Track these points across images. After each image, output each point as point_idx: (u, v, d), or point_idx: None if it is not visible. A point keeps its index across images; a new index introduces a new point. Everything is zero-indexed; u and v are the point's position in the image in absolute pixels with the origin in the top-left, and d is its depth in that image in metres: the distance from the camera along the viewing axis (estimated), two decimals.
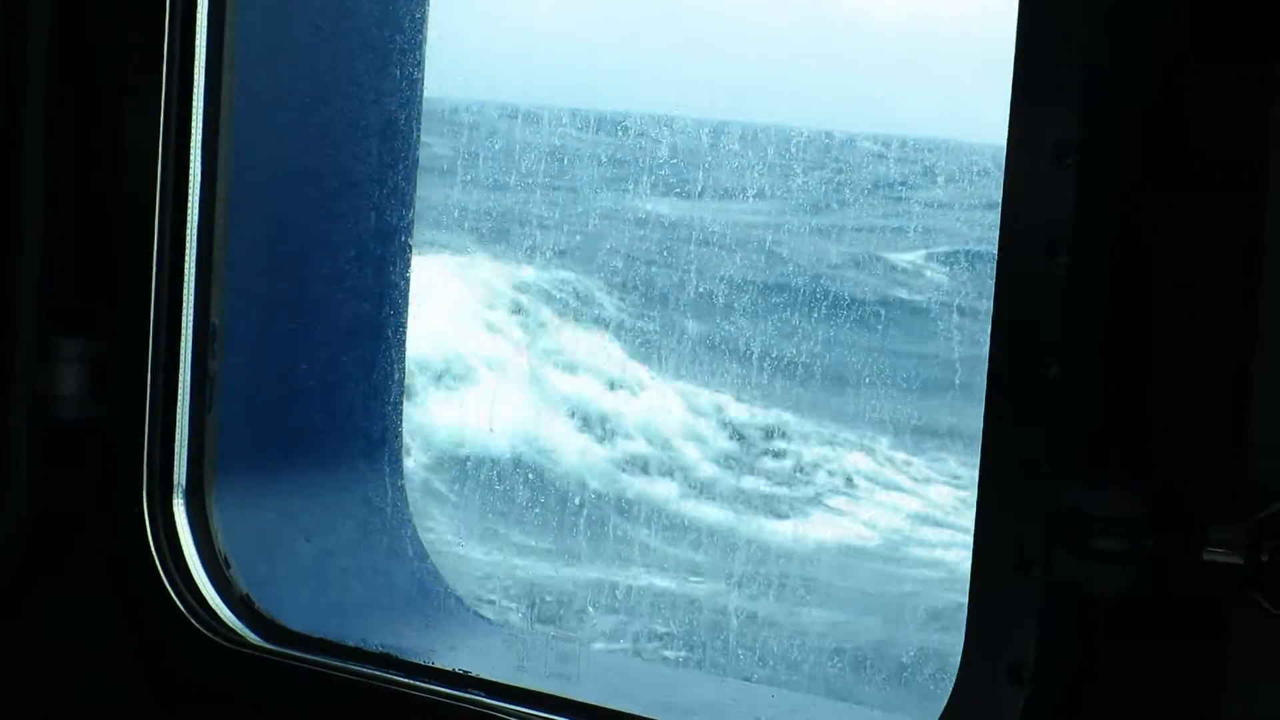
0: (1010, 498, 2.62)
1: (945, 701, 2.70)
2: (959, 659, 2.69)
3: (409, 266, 3.74)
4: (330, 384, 3.75)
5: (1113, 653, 2.60)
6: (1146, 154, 2.57)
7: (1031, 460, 2.60)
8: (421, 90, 3.68)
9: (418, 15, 3.65)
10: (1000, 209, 2.64)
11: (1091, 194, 2.55)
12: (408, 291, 3.75)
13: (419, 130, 3.69)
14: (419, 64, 3.65)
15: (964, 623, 2.68)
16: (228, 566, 3.57)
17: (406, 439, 3.87)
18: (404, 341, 3.76)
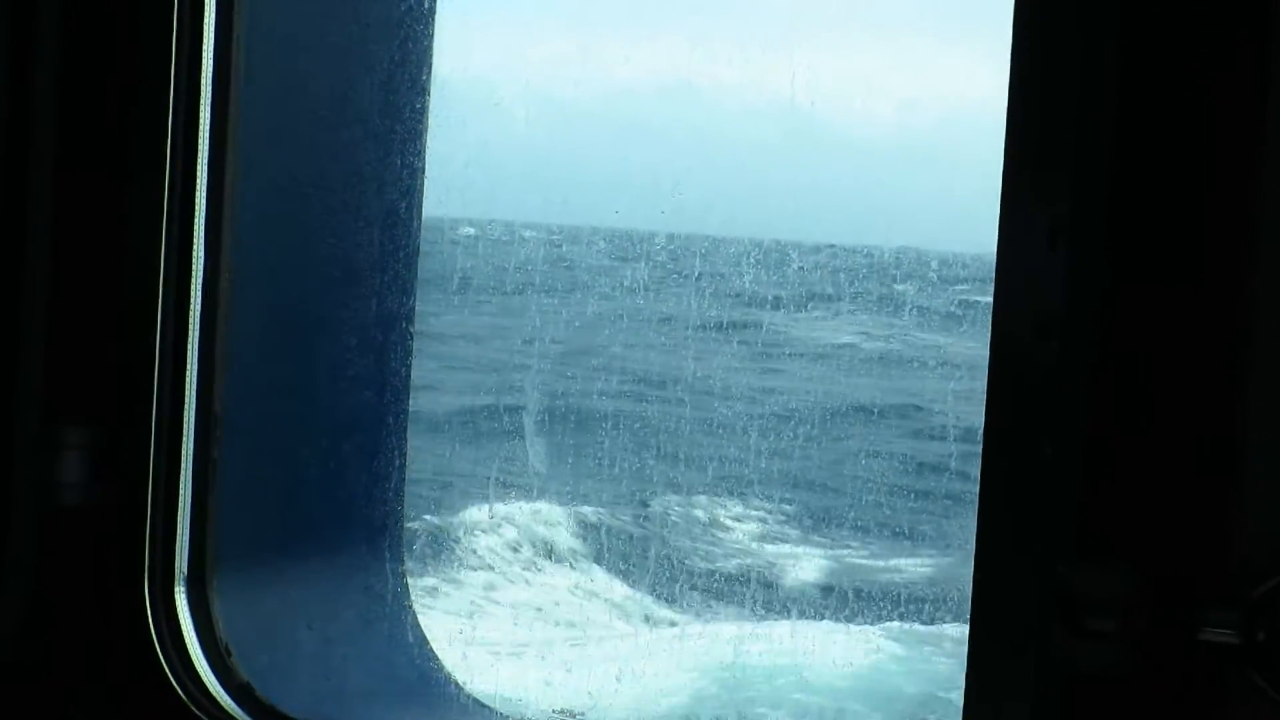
0: (1005, 578, 2.64)
1: None
2: None
3: (410, 354, 3.77)
4: (332, 471, 3.77)
5: None
6: (1136, 238, 2.59)
7: (1025, 540, 2.62)
8: (422, 179, 3.72)
9: (418, 105, 3.70)
10: (993, 292, 2.67)
11: (1081, 277, 2.58)
12: (409, 379, 3.77)
13: (420, 218, 3.73)
14: (419, 153, 3.69)
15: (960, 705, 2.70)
16: (229, 654, 3.57)
17: None
18: (405, 428, 3.79)
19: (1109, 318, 2.60)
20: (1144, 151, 2.59)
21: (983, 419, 2.67)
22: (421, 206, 3.72)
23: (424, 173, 3.70)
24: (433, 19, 3.71)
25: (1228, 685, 2.53)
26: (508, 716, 3.81)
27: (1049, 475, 2.61)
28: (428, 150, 3.74)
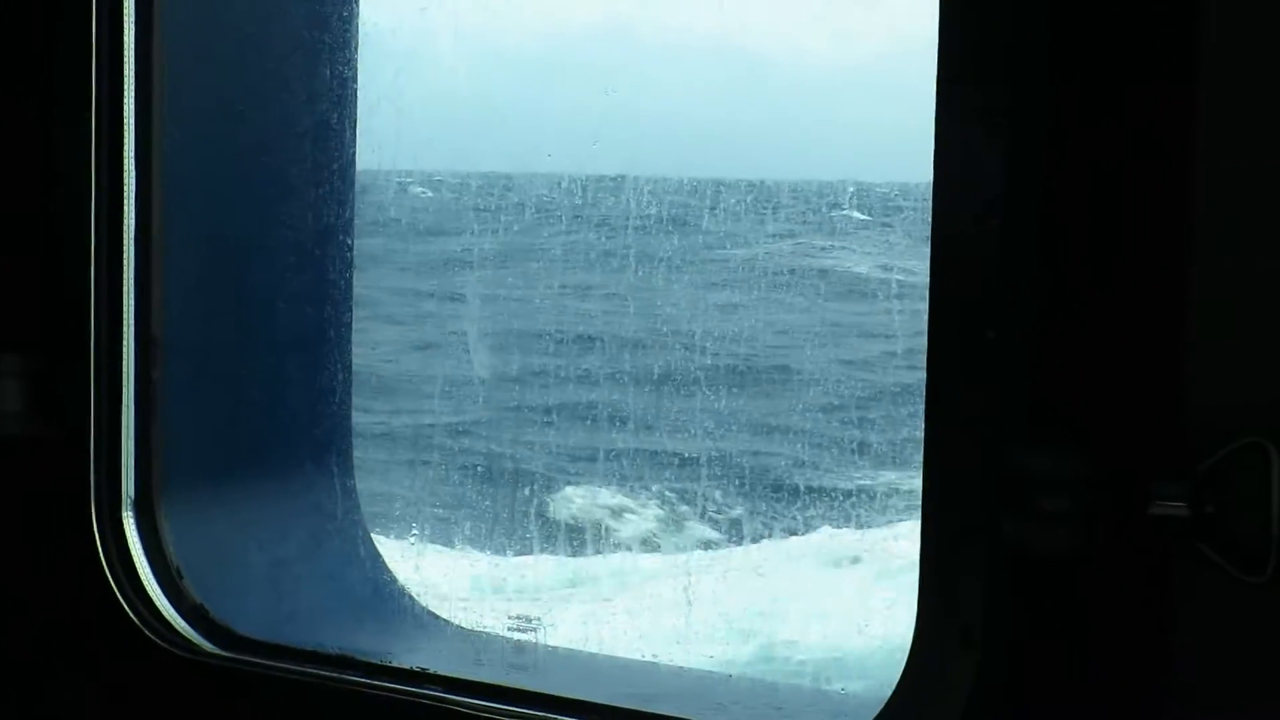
0: (954, 463, 2.65)
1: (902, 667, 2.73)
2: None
3: (350, 267, 3.75)
4: (275, 390, 3.76)
5: (1062, 612, 2.63)
6: (1075, 117, 2.59)
7: (973, 424, 2.63)
8: (355, 89, 3.69)
9: (345, 14, 3.67)
10: (932, 179, 2.66)
11: (1020, 159, 2.58)
12: (350, 292, 3.76)
13: (354, 130, 3.71)
14: (349, 63, 3.67)
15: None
16: (180, 577, 3.58)
17: None
18: (348, 342, 3.78)
19: (1050, 199, 2.60)
20: (1082, 27, 2.58)
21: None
22: (355, 118, 3.70)
23: (355, 82, 3.67)
24: None
25: (1178, 558, 2.54)
26: (462, 627, 3.81)
27: (994, 359, 2.61)
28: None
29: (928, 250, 2.64)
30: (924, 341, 2.69)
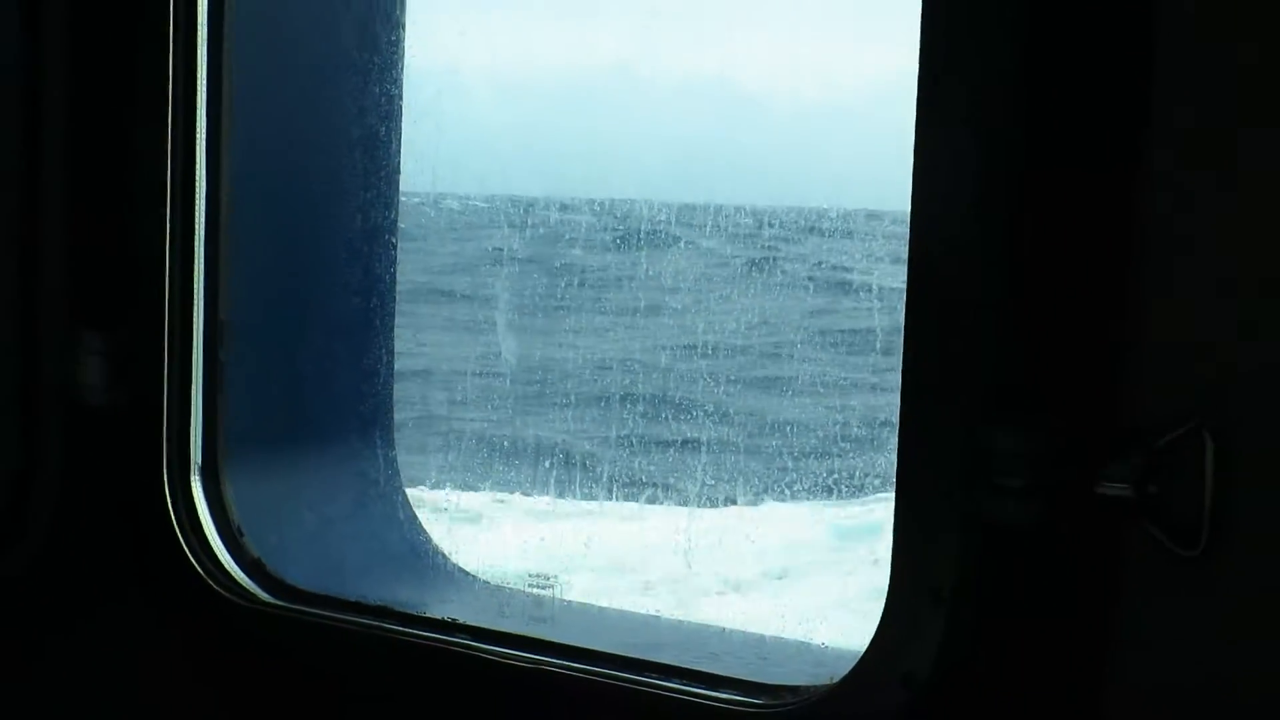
0: (927, 439, 2.65)
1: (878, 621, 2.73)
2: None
3: (394, 263, 3.75)
4: (326, 369, 3.76)
5: (1020, 577, 2.62)
6: (1045, 130, 2.57)
7: (944, 405, 2.62)
8: (400, 106, 3.68)
9: (393, 39, 3.66)
10: (911, 188, 2.65)
11: (994, 166, 2.57)
12: (394, 285, 3.76)
13: (399, 141, 3.70)
14: (396, 82, 3.66)
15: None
16: (241, 535, 3.58)
17: None
18: (391, 329, 3.77)
19: (1019, 202, 2.58)
20: (1055, 45, 2.56)
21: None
22: (400, 130, 3.69)
23: (400, 99, 3.67)
24: None
25: (1123, 534, 2.53)
26: (489, 583, 3.80)
27: (964, 350, 2.61)
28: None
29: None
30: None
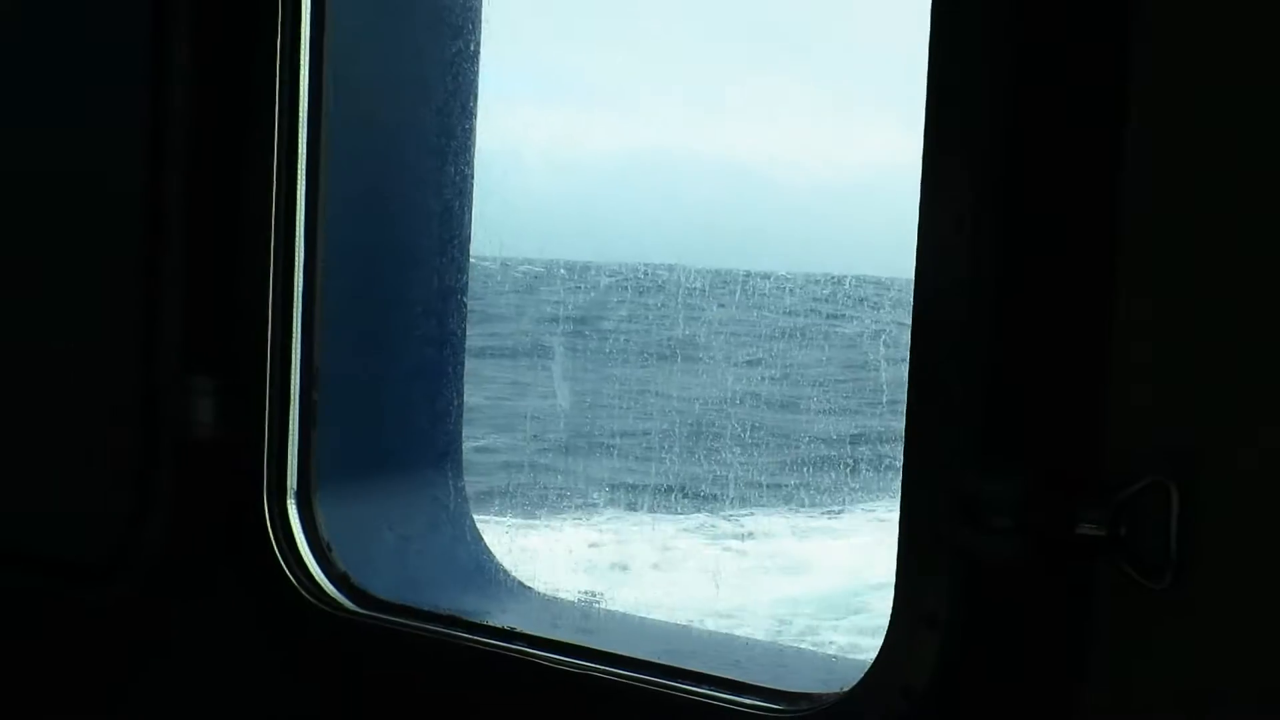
0: (926, 484, 2.63)
1: (882, 640, 2.71)
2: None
3: (464, 320, 3.75)
4: (404, 411, 3.76)
5: (1005, 607, 2.61)
6: (1024, 225, 2.57)
7: (941, 455, 2.61)
8: (471, 183, 3.69)
9: (466, 126, 3.67)
10: (915, 265, 2.64)
11: (981, 254, 2.56)
12: (464, 339, 3.76)
13: (470, 213, 3.70)
14: (468, 163, 3.67)
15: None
16: (330, 551, 3.58)
17: None
18: (462, 376, 3.77)
19: (1004, 283, 2.58)
20: (1033, 160, 2.56)
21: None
22: (472, 204, 3.70)
23: (473, 178, 3.68)
24: (477, 58, 3.67)
25: (1097, 570, 2.52)
26: (544, 595, 3.79)
27: (958, 408, 2.60)
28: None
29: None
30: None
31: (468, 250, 3.70)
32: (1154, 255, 2.45)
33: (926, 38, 2.62)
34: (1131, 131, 2.46)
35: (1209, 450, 2.43)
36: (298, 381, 3.55)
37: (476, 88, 3.69)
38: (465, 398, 3.78)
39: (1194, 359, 2.44)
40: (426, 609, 3.45)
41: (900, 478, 2.67)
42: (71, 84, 3.79)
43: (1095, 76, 2.49)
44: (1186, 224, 2.43)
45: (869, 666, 2.74)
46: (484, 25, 3.65)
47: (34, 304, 3.89)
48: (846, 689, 2.78)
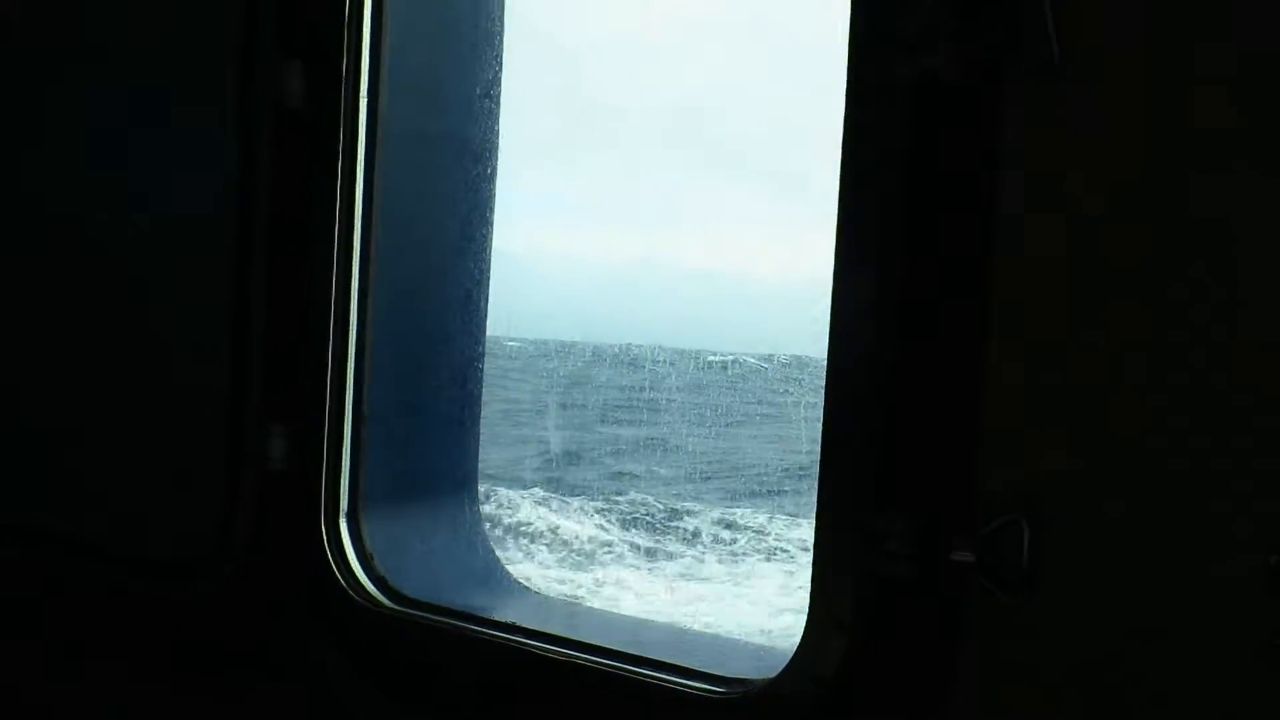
0: (836, 518, 2.61)
1: (798, 641, 2.68)
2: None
3: (480, 383, 3.72)
4: (433, 450, 3.72)
5: (900, 614, 2.58)
6: (914, 309, 2.53)
7: (848, 495, 2.58)
8: (488, 276, 3.65)
9: (484, 231, 3.63)
10: (828, 348, 2.60)
11: (881, 335, 2.53)
12: (480, 396, 3.72)
13: (486, 299, 3.67)
14: (486, 261, 3.63)
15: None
16: (372, 559, 3.53)
17: None
18: (478, 424, 3.73)
19: (898, 362, 2.56)
20: (918, 267, 2.54)
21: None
22: (488, 293, 3.66)
23: (488, 271, 3.64)
24: (494, 180, 3.65)
25: (968, 587, 2.49)
26: (538, 594, 3.74)
27: (862, 459, 2.57)
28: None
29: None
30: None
31: (484, 327, 3.66)
32: (1011, 347, 2.44)
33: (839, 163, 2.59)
34: (1002, 222, 2.43)
35: (1048, 495, 2.42)
36: (349, 427, 3.51)
37: (493, 202, 3.67)
38: None
39: (1047, 423, 2.42)
40: (447, 605, 3.40)
41: (815, 513, 2.64)
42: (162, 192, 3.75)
43: (969, 203, 2.48)
44: (1044, 314, 2.42)
45: (789, 658, 2.71)
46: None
47: (144, 357, 3.84)
48: (772, 676, 2.75)
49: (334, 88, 3.38)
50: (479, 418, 3.70)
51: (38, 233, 4.04)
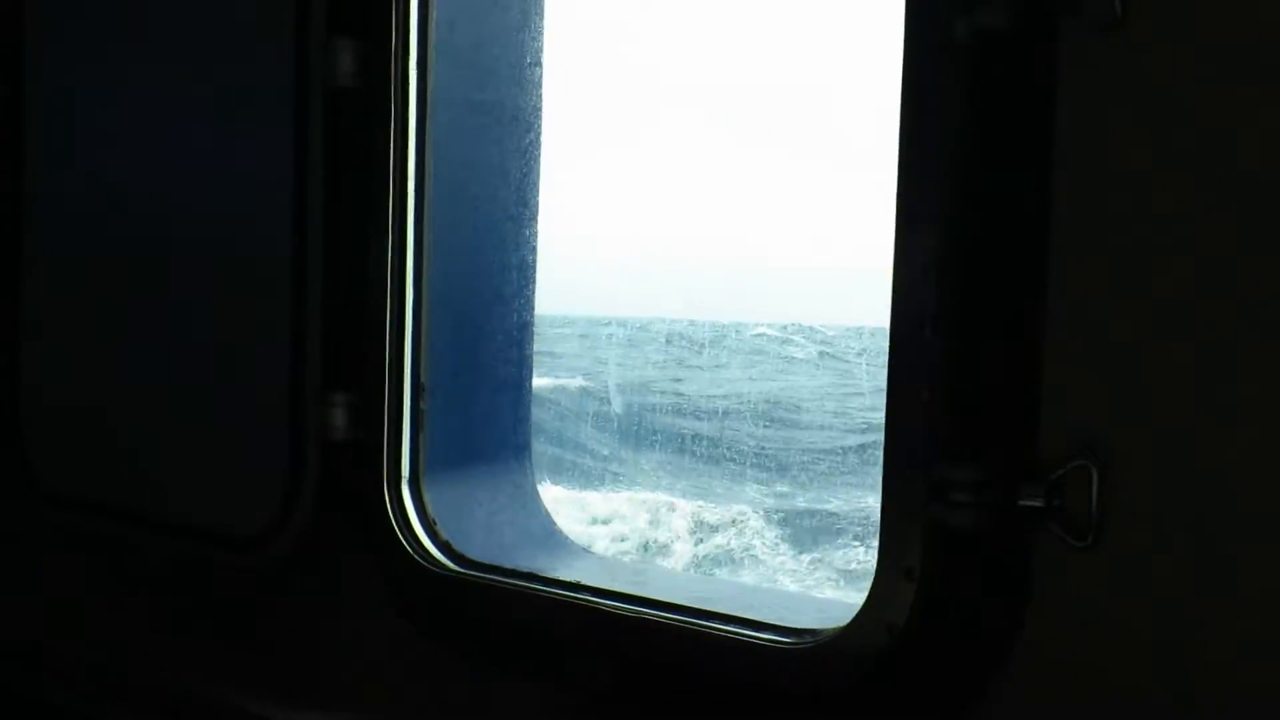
0: (903, 469, 2.62)
1: (867, 592, 2.70)
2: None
3: (531, 347, 3.74)
4: (491, 416, 3.75)
5: (967, 565, 2.60)
6: (971, 267, 2.55)
7: (914, 447, 2.60)
8: (536, 243, 3.68)
9: (535, 199, 3.65)
10: (891, 300, 2.62)
11: (944, 291, 2.54)
12: (532, 363, 3.75)
13: (535, 269, 3.69)
14: (536, 227, 3.66)
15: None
16: (435, 524, 3.57)
17: None
18: (530, 390, 3.76)
19: (960, 317, 2.57)
20: (977, 222, 2.55)
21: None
22: (536, 265, 3.68)
23: (538, 239, 3.66)
24: (539, 144, 3.66)
25: (1036, 533, 2.52)
26: (600, 555, 3.78)
27: (927, 408, 2.59)
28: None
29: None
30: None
31: (534, 298, 3.69)
32: (1070, 302, 2.45)
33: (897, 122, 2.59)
34: (1060, 178, 2.44)
35: (1119, 440, 2.43)
36: (409, 395, 3.54)
37: (538, 172, 3.69)
38: None
39: (1108, 373, 2.44)
40: (509, 567, 3.44)
41: (882, 466, 2.66)
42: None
43: (1031, 150, 2.48)
44: (1102, 268, 2.43)
45: (859, 608, 2.73)
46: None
47: (210, 327, 3.89)
48: (841, 626, 2.77)
49: (384, 63, 3.40)
50: (532, 382, 3.73)
51: (103, 216, 4.08)
